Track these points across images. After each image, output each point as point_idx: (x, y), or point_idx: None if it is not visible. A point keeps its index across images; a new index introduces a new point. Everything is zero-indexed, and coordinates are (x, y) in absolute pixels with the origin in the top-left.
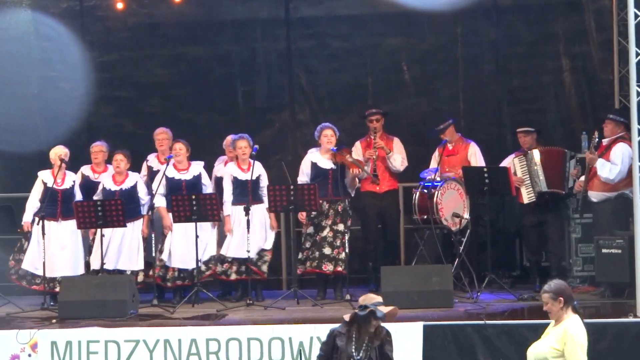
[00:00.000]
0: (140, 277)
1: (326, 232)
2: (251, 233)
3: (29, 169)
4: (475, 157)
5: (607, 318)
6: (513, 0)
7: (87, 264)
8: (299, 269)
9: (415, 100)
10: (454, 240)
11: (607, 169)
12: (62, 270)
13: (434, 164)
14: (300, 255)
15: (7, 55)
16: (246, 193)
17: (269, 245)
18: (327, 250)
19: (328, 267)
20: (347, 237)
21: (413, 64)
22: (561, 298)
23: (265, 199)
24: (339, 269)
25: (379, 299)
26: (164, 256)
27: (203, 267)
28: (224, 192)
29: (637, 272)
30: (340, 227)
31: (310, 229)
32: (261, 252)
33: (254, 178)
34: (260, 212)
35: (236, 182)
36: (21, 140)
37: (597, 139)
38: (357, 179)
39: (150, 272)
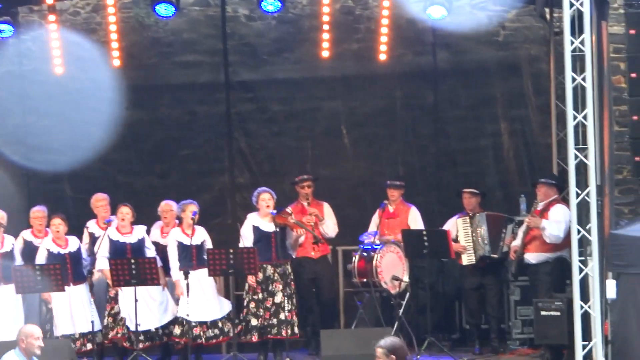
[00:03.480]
0: (99, 338)
1: (279, 298)
2: (206, 299)
3: None
4: (416, 222)
5: None
6: (452, 63)
7: None
8: (254, 336)
9: (354, 163)
10: (394, 303)
11: (555, 227)
12: (2, 335)
13: (373, 226)
14: (255, 322)
15: None
16: (191, 258)
17: (225, 311)
18: (283, 316)
19: (288, 332)
20: (294, 300)
21: (352, 127)
22: (393, 356)
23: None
24: (286, 332)
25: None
26: (125, 317)
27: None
28: (170, 257)
29: (576, 334)
30: (288, 290)
31: (260, 295)
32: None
33: (198, 243)
34: (206, 277)
35: (181, 247)
36: None
37: (538, 202)
38: (298, 241)
39: (112, 334)
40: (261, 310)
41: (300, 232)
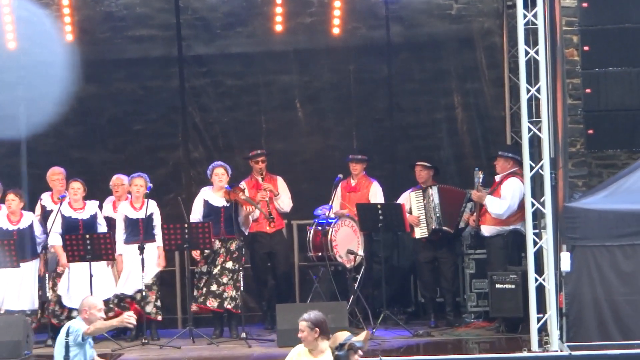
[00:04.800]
0: (36, 316)
1: (216, 270)
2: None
3: None
4: (376, 196)
5: (502, 353)
6: (405, 37)
7: None
8: (193, 307)
9: (308, 138)
10: (349, 277)
11: (497, 204)
12: None
13: (335, 199)
14: (195, 293)
15: None
16: (138, 232)
17: (147, 281)
18: (213, 287)
19: (212, 304)
20: (239, 276)
21: (306, 101)
22: (317, 329)
23: (157, 237)
24: (229, 307)
25: (347, 333)
26: (61, 294)
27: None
28: (117, 232)
29: (531, 307)
30: (229, 264)
31: (204, 268)
32: (144, 292)
33: (146, 217)
34: (152, 250)
35: (128, 220)
36: None
37: (481, 177)
38: (250, 218)
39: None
40: (201, 282)
41: (250, 209)
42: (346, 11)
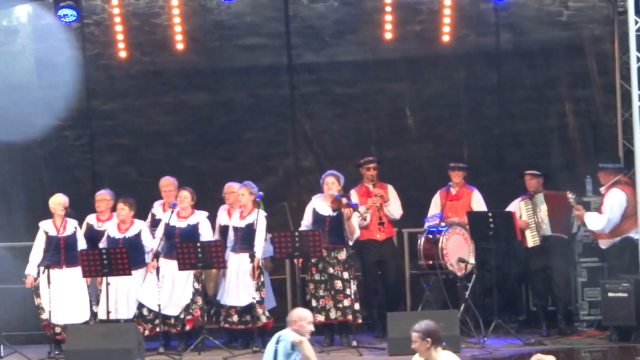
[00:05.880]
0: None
1: (338, 283)
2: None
3: (33, 218)
4: (479, 204)
5: None
6: (515, 44)
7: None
8: (316, 317)
9: (418, 145)
10: (460, 286)
11: (596, 221)
12: (68, 318)
13: (434, 207)
14: (315, 304)
15: (11, 104)
16: (245, 240)
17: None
18: (345, 302)
19: (349, 316)
20: (354, 285)
21: (416, 109)
22: (429, 339)
23: (258, 245)
24: (349, 317)
25: (551, 357)
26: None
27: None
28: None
29: None
30: (345, 275)
31: (317, 276)
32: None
33: (242, 225)
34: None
35: (235, 229)
36: (26, 190)
37: (575, 196)
38: (354, 225)
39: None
40: (320, 291)
41: (347, 211)
42: (456, 18)
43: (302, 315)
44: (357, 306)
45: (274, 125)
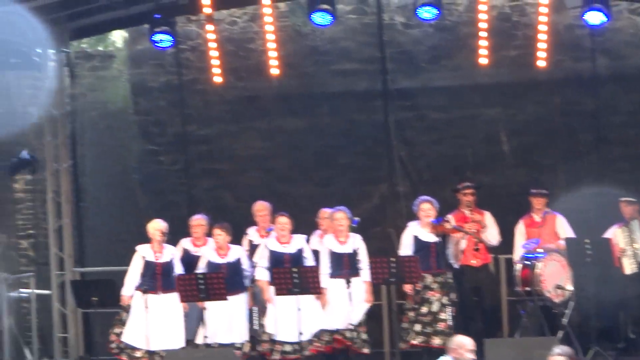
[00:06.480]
0: (247, 348)
1: (436, 307)
2: (353, 306)
3: (130, 242)
4: (564, 230)
5: None
6: (612, 69)
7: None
8: (411, 342)
9: (514, 170)
10: (558, 313)
11: None
12: (164, 344)
13: (519, 236)
14: (418, 329)
15: (107, 130)
16: (342, 266)
17: (356, 319)
18: (439, 326)
19: (436, 341)
20: (451, 310)
21: (512, 134)
22: None
23: (363, 271)
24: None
25: None
26: (270, 330)
27: (311, 339)
28: (321, 265)
29: None
30: (445, 300)
31: (417, 299)
32: (357, 329)
33: (351, 251)
34: (358, 285)
35: (333, 255)
36: (122, 214)
37: None
38: (460, 249)
39: (258, 347)
40: (420, 317)
41: (458, 235)
42: (551, 43)
43: (461, 343)
44: (449, 330)
45: (369, 151)
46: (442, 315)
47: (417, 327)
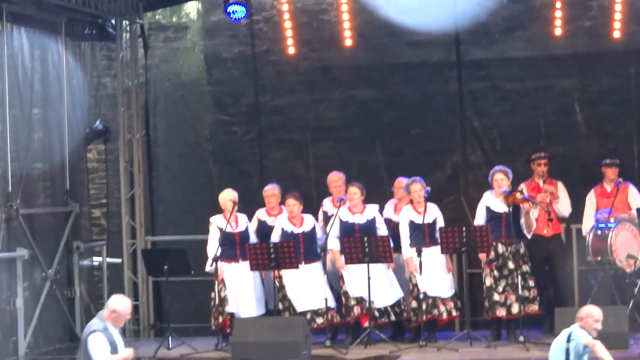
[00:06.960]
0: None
1: (518, 278)
2: (438, 276)
3: (202, 212)
4: (635, 199)
5: None
6: None
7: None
8: (499, 311)
9: (587, 141)
10: (629, 282)
11: None
12: (246, 311)
13: (589, 206)
14: (497, 298)
15: (181, 100)
16: (423, 236)
17: (450, 292)
18: (525, 293)
19: (532, 308)
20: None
21: (585, 105)
22: None
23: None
24: (535, 307)
25: None
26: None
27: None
28: (402, 236)
29: None
30: (525, 268)
31: (496, 272)
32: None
33: (429, 221)
34: (438, 254)
35: (412, 225)
36: (194, 184)
37: None
38: (532, 219)
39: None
40: (500, 287)
41: (527, 206)
42: (627, 14)
43: (590, 313)
44: (538, 298)
45: (442, 121)
46: (529, 283)
47: (498, 297)
